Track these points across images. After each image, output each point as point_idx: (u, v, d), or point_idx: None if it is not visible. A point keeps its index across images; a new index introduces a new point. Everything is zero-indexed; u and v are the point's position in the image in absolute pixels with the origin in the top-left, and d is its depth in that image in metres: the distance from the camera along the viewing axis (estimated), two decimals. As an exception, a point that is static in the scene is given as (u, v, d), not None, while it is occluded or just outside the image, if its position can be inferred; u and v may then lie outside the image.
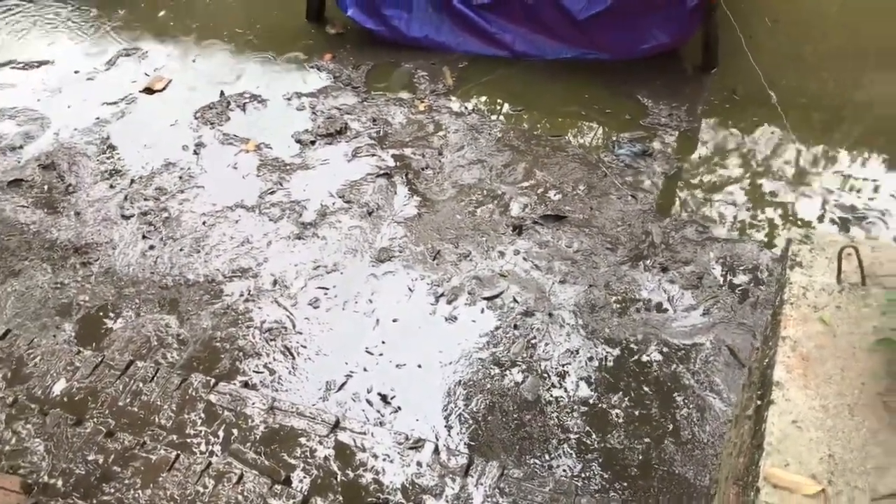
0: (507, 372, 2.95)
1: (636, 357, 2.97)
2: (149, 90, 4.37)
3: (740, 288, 3.18)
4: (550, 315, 3.13)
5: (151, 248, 3.52)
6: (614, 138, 3.87)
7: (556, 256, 3.37)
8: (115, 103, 4.31)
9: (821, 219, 3.44)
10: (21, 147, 4.06)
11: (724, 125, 3.93)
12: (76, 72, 4.52)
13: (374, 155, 3.91)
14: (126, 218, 3.68)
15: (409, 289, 3.29)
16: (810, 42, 4.34)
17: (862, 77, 4.14)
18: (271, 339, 3.12)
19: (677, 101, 4.02)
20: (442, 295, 3.25)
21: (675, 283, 3.24)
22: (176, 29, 4.81)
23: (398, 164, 3.84)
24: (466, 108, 4.10)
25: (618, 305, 3.17)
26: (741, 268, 3.27)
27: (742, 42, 4.16)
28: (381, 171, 3.81)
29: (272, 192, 3.76)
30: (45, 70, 4.55)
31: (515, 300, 3.20)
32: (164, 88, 4.38)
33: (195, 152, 3.99)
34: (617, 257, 3.36)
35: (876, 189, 3.55)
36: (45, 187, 3.85)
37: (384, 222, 3.59)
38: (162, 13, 4.95)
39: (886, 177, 3.64)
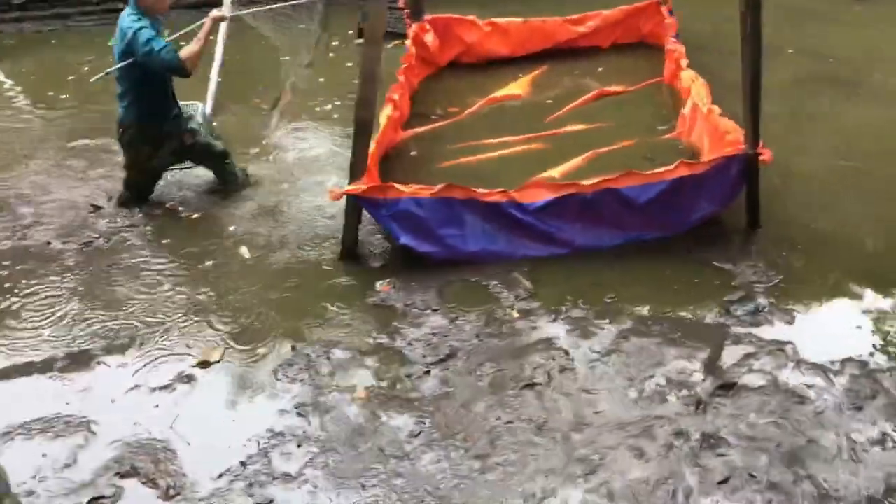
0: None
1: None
2: (204, 363, 3.81)
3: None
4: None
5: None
6: (724, 302, 3.92)
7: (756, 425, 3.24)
8: (167, 387, 3.69)
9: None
10: (75, 462, 3.29)
11: (805, 273, 4.13)
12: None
13: (501, 370, 3.62)
14: (266, 507, 3.05)
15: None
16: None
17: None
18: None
19: (750, 259, 4.20)
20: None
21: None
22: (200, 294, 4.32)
23: (534, 371, 3.58)
24: (560, 307, 3.99)
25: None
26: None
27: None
28: (524, 383, 3.52)
29: (417, 434, 3.32)
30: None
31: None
32: (220, 359, 3.84)
33: (300, 414, 3.47)
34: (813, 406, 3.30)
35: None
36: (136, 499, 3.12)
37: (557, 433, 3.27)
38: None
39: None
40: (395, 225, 4.24)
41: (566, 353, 3.69)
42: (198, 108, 5.68)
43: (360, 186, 4.12)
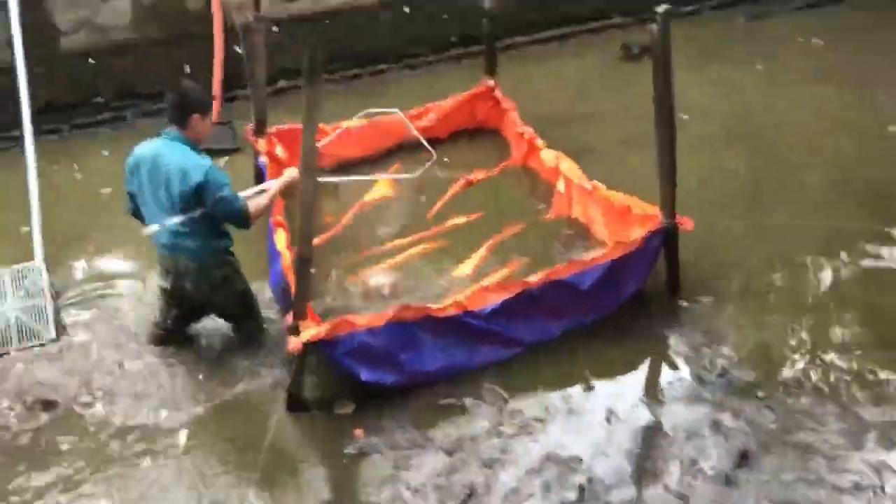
0: None
1: None
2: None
3: None
4: None
5: None
6: (693, 372, 4.06)
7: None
8: None
9: None
10: None
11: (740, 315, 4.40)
12: None
13: (531, 494, 3.41)
14: None
15: None
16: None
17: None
18: None
19: (690, 324, 4.38)
20: None
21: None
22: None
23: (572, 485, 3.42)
24: (548, 409, 3.88)
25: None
26: None
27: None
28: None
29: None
30: None
31: None
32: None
33: None
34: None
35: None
36: None
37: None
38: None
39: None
40: (354, 361, 3.88)
41: (580, 459, 3.59)
42: (37, 270, 4.86)
43: (319, 330, 3.72)
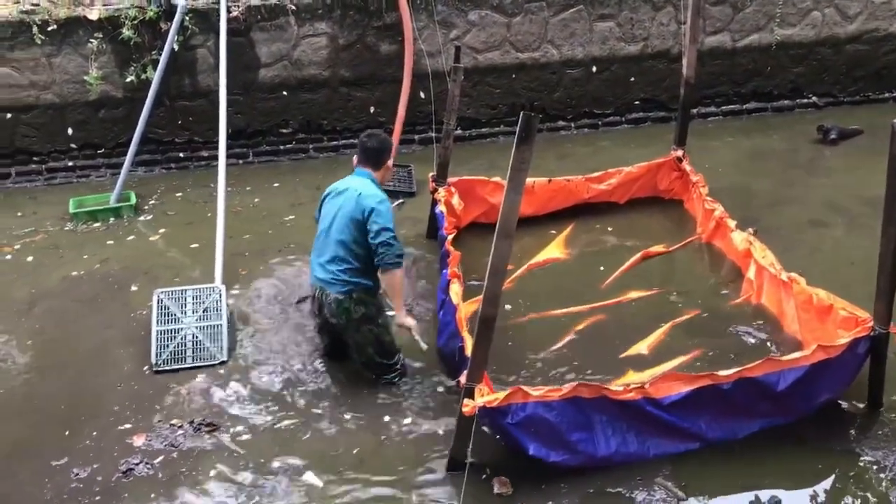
0: None
1: None
2: None
3: None
4: None
5: None
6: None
7: None
8: None
9: None
10: None
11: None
12: None
13: None
14: None
15: None
16: None
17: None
18: None
19: (889, 448, 3.92)
20: None
21: None
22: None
23: None
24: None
25: None
26: None
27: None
28: None
29: None
30: None
31: None
32: None
33: None
34: None
35: None
36: None
37: None
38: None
39: None
40: (522, 433, 3.69)
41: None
42: (218, 291, 4.99)
43: (496, 397, 3.57)
